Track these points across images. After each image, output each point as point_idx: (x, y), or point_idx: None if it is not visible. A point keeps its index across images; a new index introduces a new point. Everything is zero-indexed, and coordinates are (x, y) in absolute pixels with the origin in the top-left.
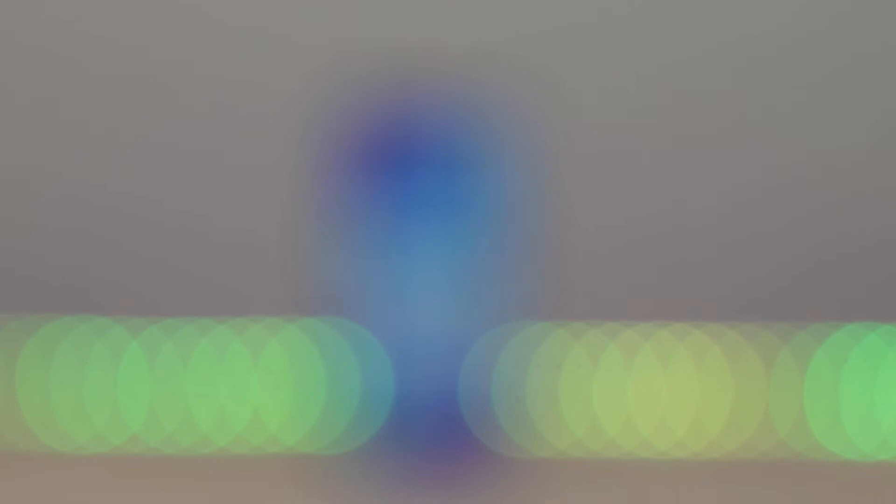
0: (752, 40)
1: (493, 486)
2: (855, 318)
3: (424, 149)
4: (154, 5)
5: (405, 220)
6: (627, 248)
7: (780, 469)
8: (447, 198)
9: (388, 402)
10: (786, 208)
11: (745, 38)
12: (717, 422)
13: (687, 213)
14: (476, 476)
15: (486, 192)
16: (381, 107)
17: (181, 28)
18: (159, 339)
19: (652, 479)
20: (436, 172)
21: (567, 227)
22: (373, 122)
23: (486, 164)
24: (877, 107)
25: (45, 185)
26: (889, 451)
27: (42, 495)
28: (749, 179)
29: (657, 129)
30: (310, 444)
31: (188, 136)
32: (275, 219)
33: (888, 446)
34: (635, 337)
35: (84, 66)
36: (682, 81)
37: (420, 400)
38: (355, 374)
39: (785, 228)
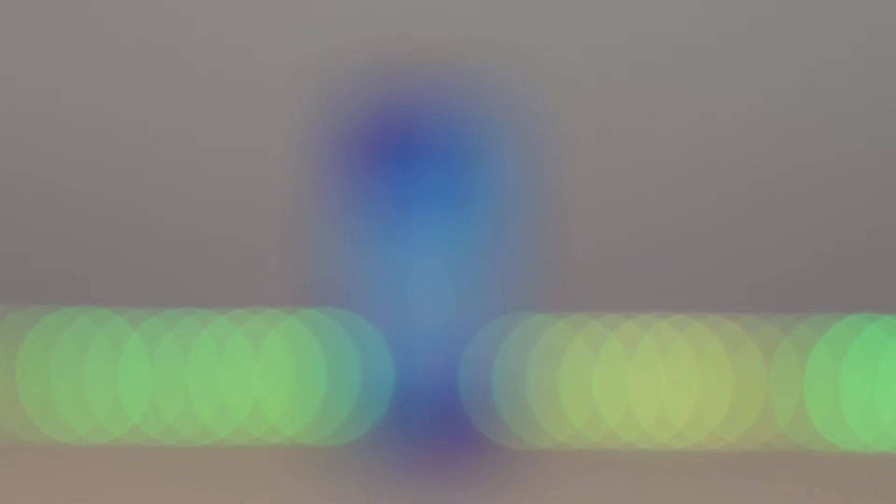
0: (752, 30)
1: (494, 477)
2: (855, 309)
3: (424, 141)
4: None
5: (405, 211)
6: (627, 240)
7: (780, 460)
8: (447, 189)
9: (389, 394)
10: (786, 199)
11: (745, 28)
12: (717, 413)
13: (686, 204)
14: (476, 467)
15: (486, 184)
16: (380, 99)
17: (181, 20)
18: (160, 330)
19: (652, 470)
20: (435, 164)
21: (566, 219)
22: (373, 114)
23: (486, 156)
24: (877, 98)
25: (45, 176)
26: (889, 442)
27: (43, 486)
28: (749, 170)
29: (656, 121)
30: (310, 436)
31: (189, 129)
32: (275, 210)
33: (888, 437)
34: (635, 328)
35: (84, 57)
36: (680, 72)
37: (420, 391)
38: (355, 365)
39: (785, 219)
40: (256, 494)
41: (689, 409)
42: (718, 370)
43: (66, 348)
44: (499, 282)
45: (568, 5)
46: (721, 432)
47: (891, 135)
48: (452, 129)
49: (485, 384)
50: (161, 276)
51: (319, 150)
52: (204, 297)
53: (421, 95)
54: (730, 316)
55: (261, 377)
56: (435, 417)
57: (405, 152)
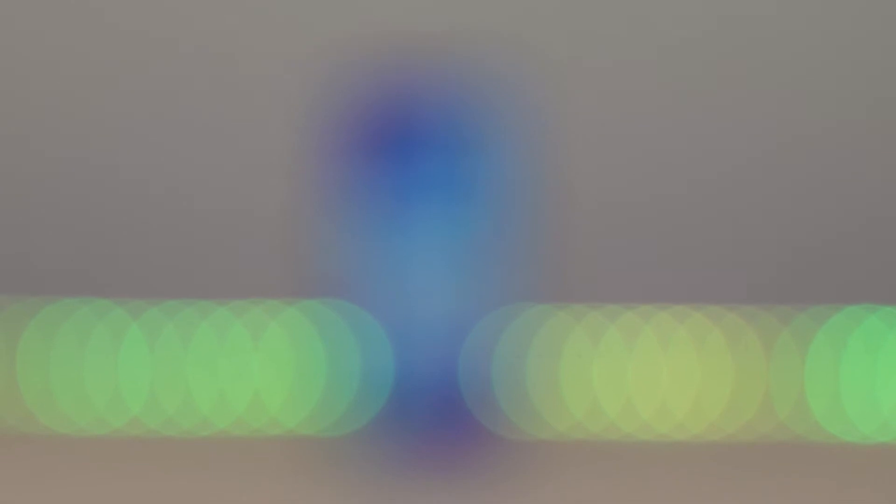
0: (753, 19)
1: (494, 468)
2: (855, 300)
3: (424, 132)
4: None
5: (405, 202)
6: (627, 231)
7: (780, 451)
8: (447, 180)
9: (389, 385)
10: (786, 190)
11: (747, 17)
12: (717, 404)
13: (687, 194)
14: (476, 458)
15: (486, 175)
16: (381, 90)
17: (181, 8)
18: (160, 321)
19: (652, 461)
20: (435, 155)
21: (566, 209)
22: (372, 105)
23: (486, 147)
24: (877, 88)
25: (45, 167)
26: (889, 433)
27: (43, 477)
28: (749, 161)
29: (657, 112)
30: (310, 427)
31: (188, 120)
32: (275, 201)
33: (888, 428)
34: (636, 319)
35: (80, 49)
36: (681, 62)
37: (420, 382)
38: (356, 356)
39: (785, 210)
40: (256, 485)
41: (689, 399)
42: (718, 361)
43: (66, 339)
44: (499, 272)
45: None
46: (721, 423)
47: (890, 125)
48: (452, 120)
49: (485, 375)
50: (161, 267)
51: (319, 141)
52: (204, 288)
53: (421, 86)
54: (730, 307)
55: (261, 368)
56: (435, 408)
57: (405, 143)
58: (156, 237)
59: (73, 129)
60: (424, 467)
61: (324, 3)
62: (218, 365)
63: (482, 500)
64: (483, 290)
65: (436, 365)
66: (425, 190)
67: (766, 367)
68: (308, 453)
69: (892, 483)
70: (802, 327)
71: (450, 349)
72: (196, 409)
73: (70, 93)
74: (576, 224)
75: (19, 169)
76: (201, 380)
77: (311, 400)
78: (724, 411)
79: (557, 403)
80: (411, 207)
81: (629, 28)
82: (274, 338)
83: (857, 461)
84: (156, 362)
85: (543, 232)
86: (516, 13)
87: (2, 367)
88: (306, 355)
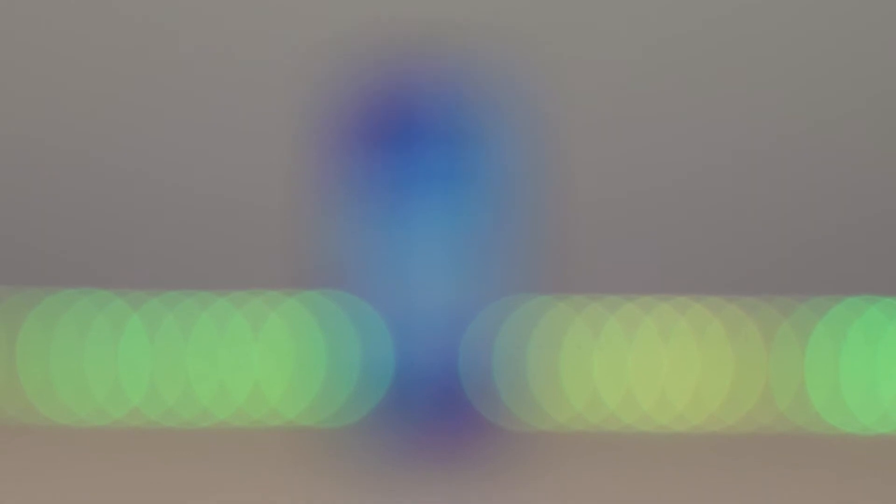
0: (753, 10)
1: (494, 459)
2: (855, 291)
3: (424, 123)
4: None
5: (405, 193)
6: (627, 222)
7: (780, 443)
8: (448, 171)
9: (389, 376)
10: (786, 181)
11: (747, 8)
12: (717, 395)
13: (687, 185)
14: (476, 449)
15: (486, 166)
16: (381, 81)
17: (181, 5)
18: (160, 312)
19: (652, 452)
20: (436, 146)
21: (567, 201)
22: (373, 96)
23: (487, 138)
24: (878, 80)
25: (46, 157)
26: (889, 424)
27: (43, 468)
28: (750, 152)
29: (657, 103)
30: (310, 418)
31: (189, 110)
32: (276, 192)
33: (888, 420)
34: (635, 310)
35: (81, 43)
36: (681, 54)
37: (420, 373)
38: (356, 347)
39: (785, 201)
40: (257, 476)
41: (689, 391)
42: (719, 352)
43: (66, 330)
44: (499, 264)
45: None
46: (721, 414)
47: (890, 118)
48: (453, 111)
49: (485, 366)
50: (161, 258)
51: (319, 132)
52: (204, 279)
53: (421, 79)
54: (730, 298)
55: (261, 359)
56: (435, 399)
57: (405, 136)
58: (156, 228)
59: (74, 120)
60: (424, 458)
61: None
62: (218, 356)
63: (482, 490)
64: (483, 281)
65: (436, 356)
66: (425, 182)
67: (766, 358)
68: (308, 444)
69: (893, 474)
70: (802, 318)
71: (450, 340)
72: (196, 399)
73: (70, 85)
74: (575, 215)
75: (19, 160)
76: (201, 371)
77: (312, 391)
78: (724, 402)
79: (557, 394)
80: (411, 199)
81: (629, 22)
82: (274, 329)
83: (857, 452)
84: (156, 353)
85: (543, 223)
86: (516, 6)
87: (2, 357)
88: (306, 346)
